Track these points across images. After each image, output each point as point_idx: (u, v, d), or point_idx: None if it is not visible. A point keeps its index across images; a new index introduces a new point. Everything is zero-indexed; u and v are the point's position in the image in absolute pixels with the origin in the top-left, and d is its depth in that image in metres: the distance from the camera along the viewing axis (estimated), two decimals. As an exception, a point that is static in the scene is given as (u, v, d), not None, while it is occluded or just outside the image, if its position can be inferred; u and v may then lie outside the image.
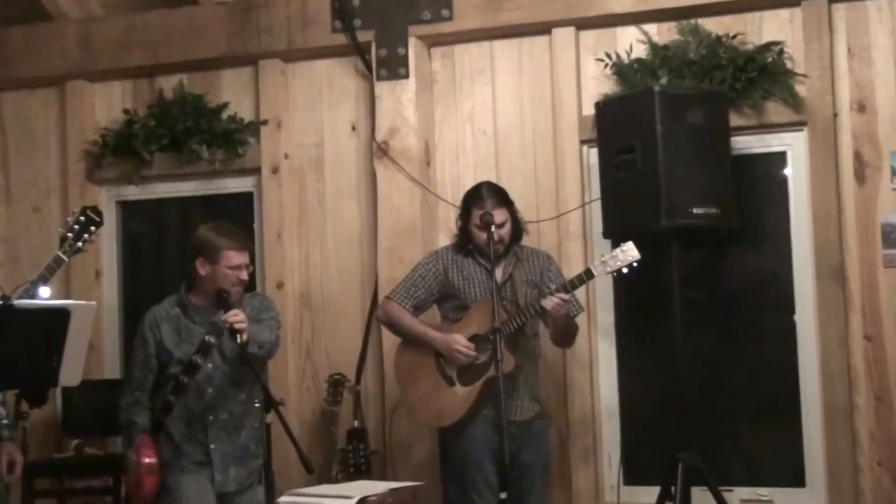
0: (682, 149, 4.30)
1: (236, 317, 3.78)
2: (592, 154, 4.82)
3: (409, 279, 4.39)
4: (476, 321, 4.20)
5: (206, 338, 3.85)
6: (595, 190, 4.75)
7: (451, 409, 4.20)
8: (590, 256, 4.80)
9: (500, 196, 4.28)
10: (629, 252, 4.04)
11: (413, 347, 4.32)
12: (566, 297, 4.06)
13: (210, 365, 3.93)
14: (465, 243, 4.33)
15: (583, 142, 4.89)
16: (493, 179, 4.64)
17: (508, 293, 4.27)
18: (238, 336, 3.76)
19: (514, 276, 4.28)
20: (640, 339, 4.90)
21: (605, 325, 4.91)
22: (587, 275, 4.11)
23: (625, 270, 4.07)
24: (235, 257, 3.91)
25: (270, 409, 3.68)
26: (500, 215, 4.21)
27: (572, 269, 4.68)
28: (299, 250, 5.31)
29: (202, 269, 3.94)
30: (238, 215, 5.42)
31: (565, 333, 4.34)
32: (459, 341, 4.16)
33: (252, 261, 4.01)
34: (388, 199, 5.02)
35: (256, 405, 3.98)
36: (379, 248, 5.04)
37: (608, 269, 4.07)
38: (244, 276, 3.94)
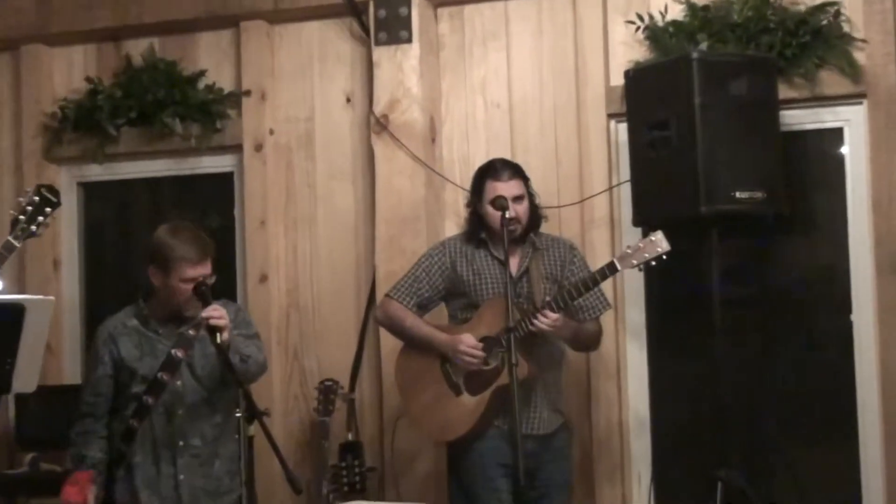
0: (724, 124, 4.29)
1: (215, 311, 3.75)
2: (621, 130, 4.82)
3: (411, 274, 4.38)
4: (487, 321, 4.19)
5: (173, 351, 3.85)
6: (624, 171, 4.75)
7: (457, 421, 4.20)
8: (618, 247, 4.79)
9: (517, 169, 4.30)
10: (657, 242, 4.03)
11: (417, 352, 4.31)
12: (554, 316, 4.04)
13: (179, 382, 3.93)
14: (475, 231, 4.33)
15: (610, 116, 4.88)
16: (508, 158, 4.59)
17: (524, 289, 4.27)
18: (217, 335, 3.72)
19: (531, 269, 4.28)
20: (674, 341, 4.89)
21: (634, 326, 4.90)
22: (610, 269, 4.09)
23: (653, 263, 4.05)
24: (190, 269, 3.86)
25: (254, 420, 3.65)
26: (516, 187, 4.23)
27: (598, 262, 4.66)
28: (286, 240, 5.31)
29: (154, 278, 3.92)
30: (216, 199, 5.46)
31: (576, 344, 4.37)
32: (466, 341, 4.15)
33: (214, 270, 3.95)
34: (387, 182, 5.01)
35: (237, 415, 3.91)
36: (377, 238, 5.03)
37: (633, 261, 4.05)
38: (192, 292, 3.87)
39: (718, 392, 4.28)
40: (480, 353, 4.14)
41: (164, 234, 3.95)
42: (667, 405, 4.88)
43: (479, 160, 4.78)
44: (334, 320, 5.22)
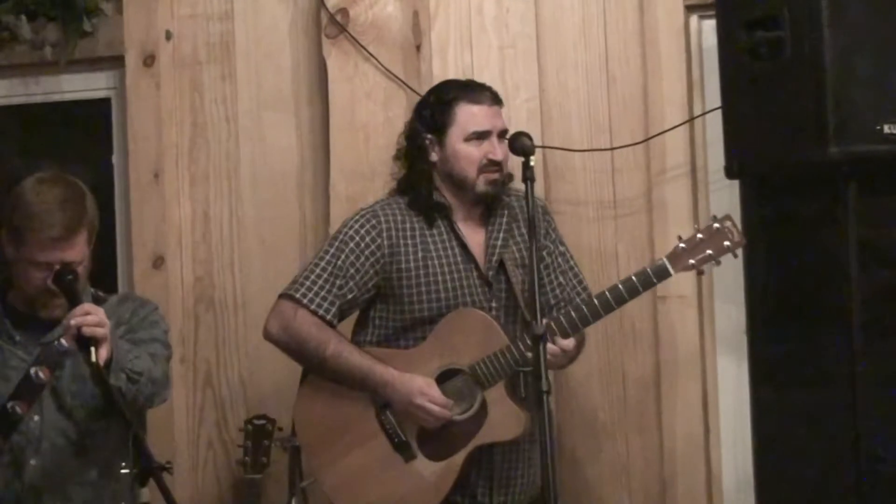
0: (865, 21, 4.27)
1: (88, 317, 3.74)
2: (707, 30, 4.93)
3: (327, 263, 4.34)
4: (450, 344, 4.26)
5: (32, 370, 3.85)
6: (711, 94, 4.81)
7: (413, 499, 4.26)
8: (702, 210, 4.93)
9: (494, 92, 4.46)
10: (725, 232, 4.13)
11: (332, 389, 4.34)
12: (567, 345, 4.14)
13: (36, 418, 3.98)
14: (426, 193, 4.33)
15: (690, 8, 5.02)
16: (534, 76, 4.86)
17: (502, 288, 4.35)
18: (92, 350, 3.71)
19: (503, 255, 4.30)
20: (791, 356, 4.82)
21: (727, 331, 4.99)
22: (658, 273, 4.17)
23: (716, 264, 4.17)
24: (39, 251, 3.92)
25: (148, 480, 3.63)
26: (500, 118, 4.39)
27: (669, 235, 4.64)
28: (192, 202, 5.38)
29: (7, 248, 4.02)
30: (84, 140, 5.57)
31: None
32: (426, 391, 4.19)
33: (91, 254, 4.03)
34: (347, 112, 5.11)
35: (123, 472, 3.94)
36: (332, 198, 5.12)
37: (690, 261, 4.15)
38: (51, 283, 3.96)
39: (861, 428, 4.27)
40: (448, 414, 4.20)
41: (28, 188, 4.02)
42: (779, 456, 4.81)
43: (489, 79, 4.84)
44: (267, 325, 5.22)
